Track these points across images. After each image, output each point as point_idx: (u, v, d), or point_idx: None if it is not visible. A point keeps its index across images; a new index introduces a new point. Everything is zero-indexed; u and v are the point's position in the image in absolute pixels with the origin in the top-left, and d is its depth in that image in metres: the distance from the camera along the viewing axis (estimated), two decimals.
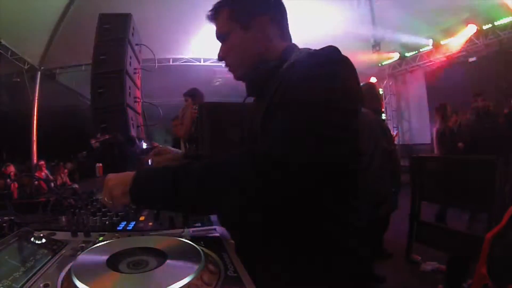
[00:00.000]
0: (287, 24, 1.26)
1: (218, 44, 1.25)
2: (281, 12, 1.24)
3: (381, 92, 10.87)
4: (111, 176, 1.05)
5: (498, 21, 8.16)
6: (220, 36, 1.22)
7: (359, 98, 1.05)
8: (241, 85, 1.29)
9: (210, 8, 1.24)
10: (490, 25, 8.31)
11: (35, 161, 9.43)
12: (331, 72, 0.99)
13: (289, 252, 1.07)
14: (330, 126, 0.93)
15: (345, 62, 1.06)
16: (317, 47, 1.11)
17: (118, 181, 1.02)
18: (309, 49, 1.17)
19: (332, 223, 1.07)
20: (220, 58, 1.24)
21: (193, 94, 4.50)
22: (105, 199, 1.03)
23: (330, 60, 1.05)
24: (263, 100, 1.15)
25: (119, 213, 1.22)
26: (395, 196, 3.54)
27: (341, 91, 0.98)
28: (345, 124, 0.97)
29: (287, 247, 1.07)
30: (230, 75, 1.27)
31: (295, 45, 1.23)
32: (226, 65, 1.25)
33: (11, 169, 8.28)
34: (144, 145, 4.06)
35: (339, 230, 1.08)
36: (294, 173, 0.89)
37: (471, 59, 8.77)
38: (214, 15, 1.22)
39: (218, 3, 1.23)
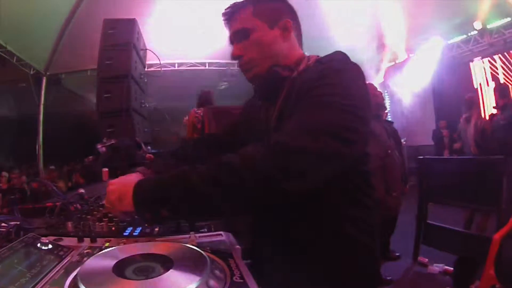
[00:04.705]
0: (301, 36, 1.26)
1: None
2: (299, 23, 1.25)
3: (386, 95, 10.76)
4: (112, 186, 1.04)
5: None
6: (242, 31, 1.16)
7: (366, 102, 1.04)
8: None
9: (227, 6, 1.21)
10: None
11: (41, 165, 9.47)
12: (338, 79, 1.01)
13: (300, 248, 1.09)
14: (344, 129, 0.94)
15: (353, 68, 1.08)
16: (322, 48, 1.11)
17: (119, 190, 1.00)
18: (317, 56, 1.18)
19: (343, 219, 1.10)
20: (236, 56, 1.18)
21: (198, 98, 4.50)
22: (107, 205, 1.03)
23: (337, 67, 1.05)
24: (273, 105, 1.17)
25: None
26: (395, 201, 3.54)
27: (351, 97, 0.98)
28: (355, 128, 0.97)
29: (299, 243, 1.10)
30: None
31: (306, 55, 1.23)
32: (242, 63, 1.19)
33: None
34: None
35: (351, 226, 1.10)
36: (311, 166, 0.90)
37: (476, 59, 8.59)
38: (236, 11, 1.19)
39: (241, 2, 1.19)
